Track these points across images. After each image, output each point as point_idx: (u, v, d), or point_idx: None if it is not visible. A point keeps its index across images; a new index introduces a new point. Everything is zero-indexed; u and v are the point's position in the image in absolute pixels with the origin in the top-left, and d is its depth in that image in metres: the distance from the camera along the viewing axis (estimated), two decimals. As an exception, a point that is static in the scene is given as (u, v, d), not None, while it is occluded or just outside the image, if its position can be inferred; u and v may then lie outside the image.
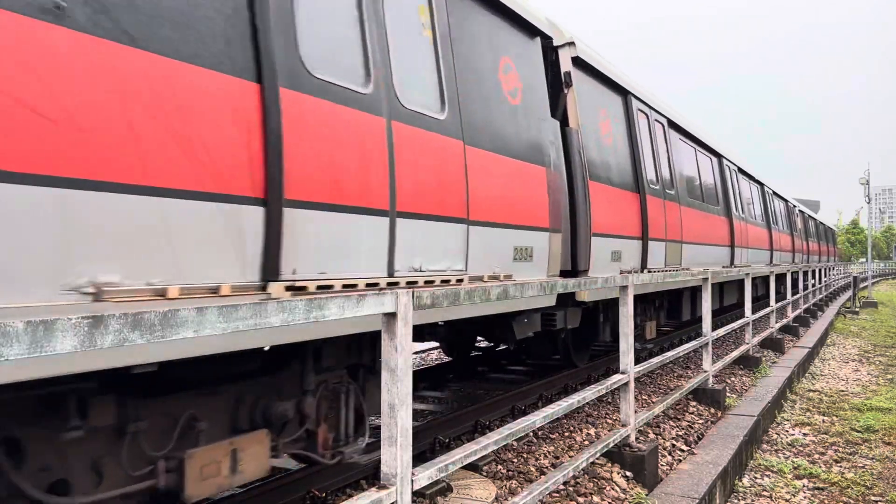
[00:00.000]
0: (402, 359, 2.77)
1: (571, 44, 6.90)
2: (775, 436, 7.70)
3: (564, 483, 4.81)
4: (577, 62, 7.02)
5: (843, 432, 7.86)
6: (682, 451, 6.08)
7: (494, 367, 9.90)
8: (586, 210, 6.68)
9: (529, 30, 5.97)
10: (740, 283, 13.46)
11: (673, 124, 9.98)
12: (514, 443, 5.75)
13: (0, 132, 2.27)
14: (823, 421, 8.43)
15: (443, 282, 4.37)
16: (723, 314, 15.95)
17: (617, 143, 7.87)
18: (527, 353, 10.15)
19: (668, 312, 10.90)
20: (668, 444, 6.22)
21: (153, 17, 2.75)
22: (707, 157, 12.07)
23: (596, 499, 4.69)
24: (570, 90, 6.79)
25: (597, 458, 5.06)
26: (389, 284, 3.84)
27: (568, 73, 6.80)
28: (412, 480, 2.85)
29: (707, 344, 7.94)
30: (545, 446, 5.85)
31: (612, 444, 5.04)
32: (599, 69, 7.51)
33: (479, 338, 9.98)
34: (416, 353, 11.43)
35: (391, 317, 2.79)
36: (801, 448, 7.26)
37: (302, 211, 3.31)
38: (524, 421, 4.03)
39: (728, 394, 8.23)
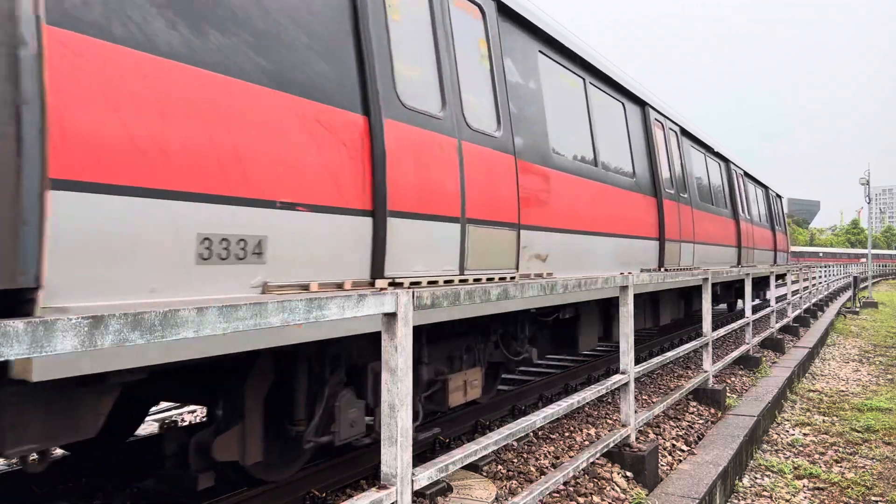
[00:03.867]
0: (402, 359, 2.77)
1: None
2: (775, 436, 7.70)
3: (564, 483, 4.81)
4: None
5: (843, 432, 7.87)
6: (683, 451, 6.08)
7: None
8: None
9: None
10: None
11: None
12: (515, 443, 5.75)
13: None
14: (823, 421, 8.43)
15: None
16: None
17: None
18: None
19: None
20: (668, 444, 6.22)
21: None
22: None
23: (596, 499, 4.69)
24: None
25: (597, 459, 5.06)
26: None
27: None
28: (412, 480, 2.85)
29: (707, 344, 7.94)
30: (545, 446, 5.85)
31: (612, 445, 5.04)
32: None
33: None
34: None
35: (391, 317, 2.79)
36: (801, 448, 7.26)
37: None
38: (524, 421, 4.03)
39: (728, 394, 8.23)
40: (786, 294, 16.27)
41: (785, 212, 23.36)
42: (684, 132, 10.93)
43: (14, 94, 2.28)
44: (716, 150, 13.25)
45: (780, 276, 20.01)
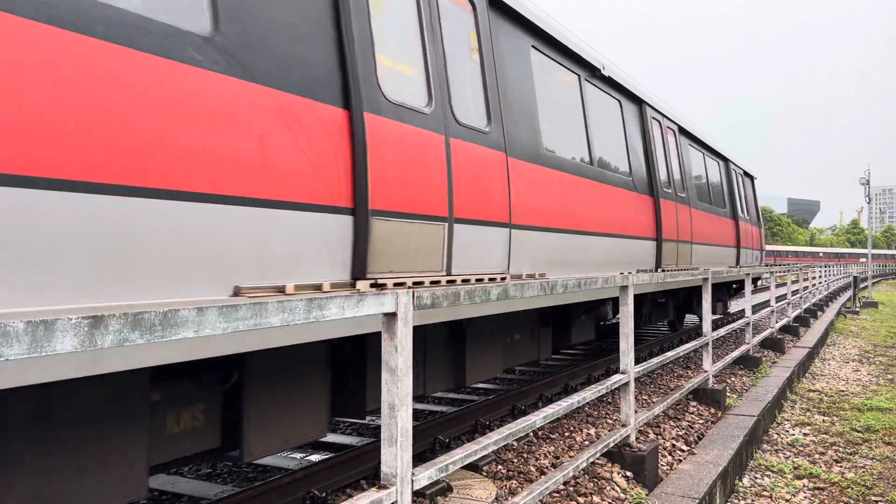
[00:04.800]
0: (402, 359, 2.78)
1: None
2: (775, 436, 7.70)
3: (564, 483, 4.81)
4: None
5: (843, 432, 7.87)
6: (683, 451, 6.08)
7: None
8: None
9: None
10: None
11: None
12: (515, 443, 5.75)
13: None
14: (823, 421, 8.43)
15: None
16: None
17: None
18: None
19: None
20: (668, 444, 6.22)
21: None
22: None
23: (596, 499, 4.69)
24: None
25: (597, 458, 5.06)
26: None
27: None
28: (412, 480, 2.85)
29: (707, 344, 7.94)
30: (545, 446, 5.85)
31: (612, 444, 5.04)
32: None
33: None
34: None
35: (391, 317, 2.79)
36: (801, 448, 7.26)
37: None
38: (524, 421, 4.03)
39: (728, 394, 8.23)
40: (767, 301, 14.68)
41: (757, 197, 17.32)
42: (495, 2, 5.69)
43: None
44: (593, 63, 7.47)
45: (753, 281, 14.72)
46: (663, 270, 8.89)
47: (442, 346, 5.74)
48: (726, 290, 15.11)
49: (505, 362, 6.77)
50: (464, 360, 5.86)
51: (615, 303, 8.71)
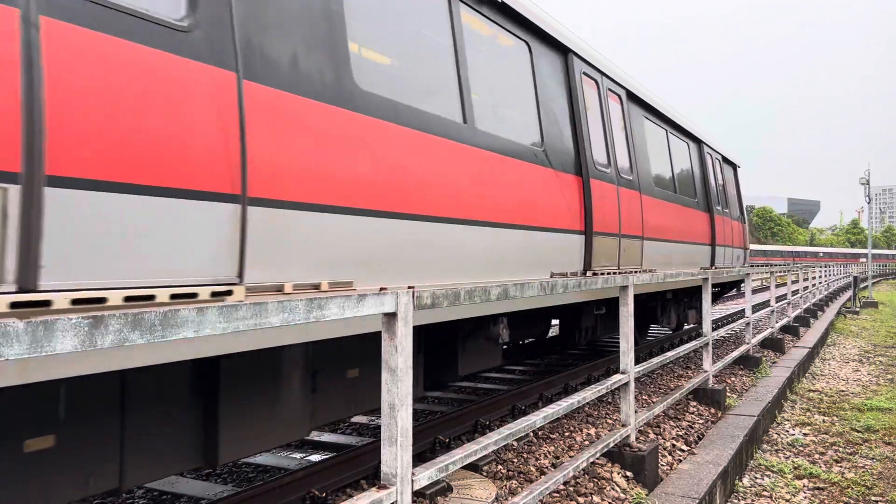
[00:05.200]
0: (402, 359, 2.78)
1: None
2: (775, 436, 7.70)
3: (564, 483, 4.81)
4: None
5: (843, 432, 7.87)
6: (683, 451, 6.08)
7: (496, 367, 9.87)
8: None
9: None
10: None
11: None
12: (515, 443, 5.75)
13: None
14: (824, 421, 8.43)
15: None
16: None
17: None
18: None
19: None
20: (668, 444, 6.22)
21: None
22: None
23: (596, 499, 4.69)
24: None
25: (597, 458, 5.06)
26: None
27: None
28: (412, 480, 2.85)
29: (707, 344, 7.94)
30: (545, 446, 5.85)
31: (612, 444, 5.04)
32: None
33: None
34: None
35: (391, 317, 2.79)
36: (801, 448, 7.26)
37: None
38: (524, 421, 4.03)
39: (728, 394, 8.23)
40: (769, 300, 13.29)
41: (741, 188, 15.01)
42: None
43: None
44: None
45: (731, 286, 13.99)
46: (594, 273, 6.74)
47: (179, 404, 3.46)
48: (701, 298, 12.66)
49: (318, 416, 4.36)
50: (216, 422, 3.56)
51: (510, 319, 6.62)
